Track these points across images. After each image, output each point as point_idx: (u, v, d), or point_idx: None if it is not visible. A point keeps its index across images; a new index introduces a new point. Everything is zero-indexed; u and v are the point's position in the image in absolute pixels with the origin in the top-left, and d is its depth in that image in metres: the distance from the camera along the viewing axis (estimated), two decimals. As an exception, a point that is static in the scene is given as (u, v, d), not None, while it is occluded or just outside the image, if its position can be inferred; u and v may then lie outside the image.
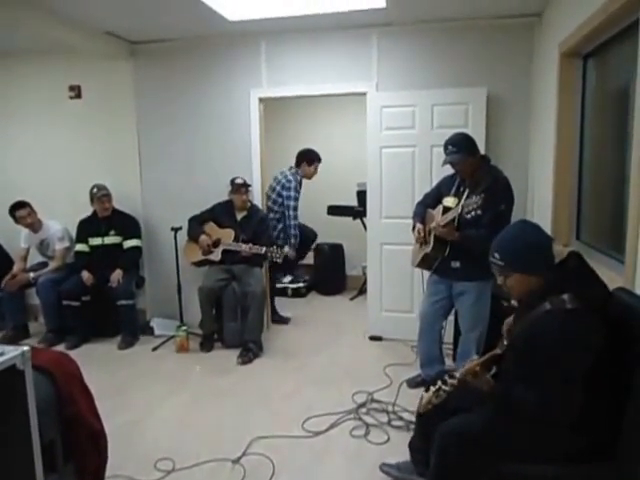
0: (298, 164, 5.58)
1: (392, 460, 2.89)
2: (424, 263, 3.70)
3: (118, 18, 4.41)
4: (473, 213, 3.36)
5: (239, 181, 4.86)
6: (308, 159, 5.58)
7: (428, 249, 3.60)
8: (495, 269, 2.21)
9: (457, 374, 2.16)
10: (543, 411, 1.93)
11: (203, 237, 4.86)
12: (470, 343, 3.65)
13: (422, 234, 3.66)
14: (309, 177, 5.62)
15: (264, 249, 4.62)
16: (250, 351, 4.59)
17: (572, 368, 1.89)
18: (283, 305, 6.04)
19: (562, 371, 1.89)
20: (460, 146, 3.45)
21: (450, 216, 3.42)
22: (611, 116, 3.17)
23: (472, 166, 3.49)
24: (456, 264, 3.55)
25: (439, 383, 2.18)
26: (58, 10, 4.08)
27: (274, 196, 5.39)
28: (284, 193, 5.33)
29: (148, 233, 5.47)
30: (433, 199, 3.75)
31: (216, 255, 4.82)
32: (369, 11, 4.22)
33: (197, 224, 4.96)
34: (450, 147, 3.47)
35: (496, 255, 2.17)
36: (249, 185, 4.94)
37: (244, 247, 4.65)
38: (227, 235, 4.81)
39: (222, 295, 4.84)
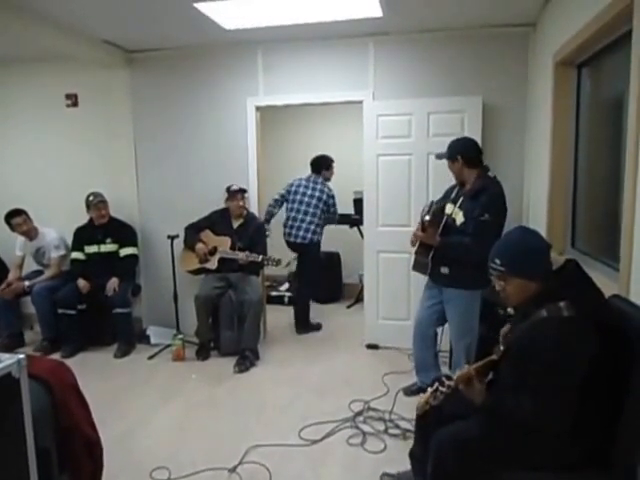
0: (318, 171, 5.74)
1: (390, 468, 2.89)
2: (418, 266, 3.72)
3: (115, 27, 4.42)
4: (427, 217, 3.46)
5: (235, 188, 4.86)
6: (326, 164, 5.80)
7: (414, 251, 3.66)
8: (494, 275, 2.21)
9: (454, 376, 2.17)
10: (538, 419, 1.92)
11: (200, 245, 4.85)
12: (459, 352, 3.68)
13: (417, 236, 3.68)
14: (330, 179, 5.84)
15: (261, 257, 4.62)
16: (247, 359, 4.58)
17: (568, 376, 1.89)
18: (280, 313, 6.05)
19: (558, 379, 1.89)
20: (448, 147, 3.62)
21: (427, 220, 3.50)
22: (605, 125, 3.19)
23: (452, 169, 3.62)
24: (445, 270, 3.56)
25: (437, 384, 2.18)
26: (55, 18, 4.09)
27: (320, 204, 5.56)
28: (330, 202, 5.63)
29: (144, 241, 5.46)
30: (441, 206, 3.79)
31: (212, 263, 4.82)
32: (366, 20, 4.24)
33: (193, 232, 4.95)
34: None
35: (496, 261, 2.17)
36: (245, 190, 4.94)
37: (241, 255, 4.64)
38: (224, 243, 4.81)
39: (219, 303, 4.82)
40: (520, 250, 2.15)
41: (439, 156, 3.71)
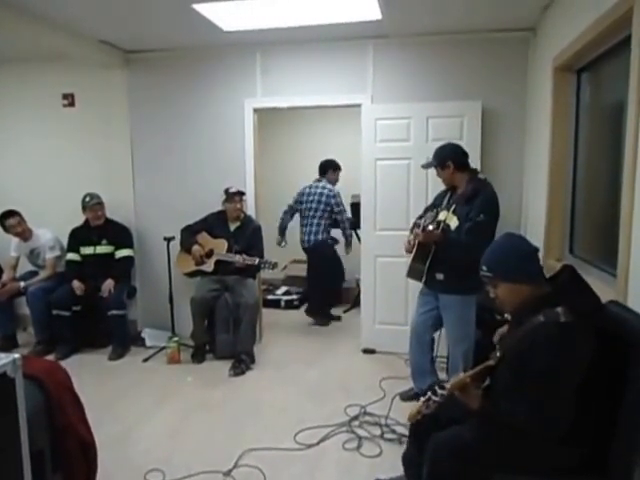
0: (323, 174, 5.94)
1: (386, 474, 2.88)
2: (413, 273, 3.71)
3: (113, 27, 4.41)
4: (430, 227, 3.42)
5: (233, 190, 4.84)
6: (332, 167, 5.98)
7: (411, 258, 3.63)
8: (486, 282, 2.24)
9: (448, 385, 2.16)
10: (535, 424, 1.91)
11: (196, 247, 4.83)
12: (457, 358, 3.66)
13: (411, 243, 3.66)
14: (333, 183, 6.00)
15: (257, 260, 4.60)
16: (242, 363, 4.55)
17: (565, 381, 1.89)
18: (276, 316, 6.03)
19: (555, 384, 1.89)
20: (434, 156, 3.61)
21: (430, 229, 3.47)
22: (604, 130, 3.20)
23: (445, 176, 3.60)
24: (440, 276, 3.55)
25: (429, 393, 2.17)
26: (53, 18, 4.08)
27: (321, 205, 5.76)
28: (332, 201, 5.78)
29: (140, 243, 5.44)
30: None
31: (209, 266, 4.80)
32: (365, 23, 4.24)
33: (189, 234, 4.93)
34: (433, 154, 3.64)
35: (484, 267, 2.21)
36: (243, 193, 4.93)
37: (237, 258, 4.62)
38: (220, 246, 4.78)
39: (214, 306, 4.80)
40: (504, 254, 2.18)
41: (425, 166, 3.70)
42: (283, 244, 5.96)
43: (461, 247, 3.34)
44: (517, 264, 2.13)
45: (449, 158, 3.54)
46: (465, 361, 3.58)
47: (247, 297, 4.68)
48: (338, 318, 6.07)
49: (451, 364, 3.75)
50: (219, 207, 4.95)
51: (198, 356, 4.80)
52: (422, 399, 2.19)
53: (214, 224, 4.94)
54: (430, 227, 3.42)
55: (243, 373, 4.50)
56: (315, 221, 5.72)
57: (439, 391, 2.13)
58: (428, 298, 3.73)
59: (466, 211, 3.40)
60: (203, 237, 4.90)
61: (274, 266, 4.65)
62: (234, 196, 4.83)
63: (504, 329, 2.48)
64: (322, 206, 5.73)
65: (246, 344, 4.66)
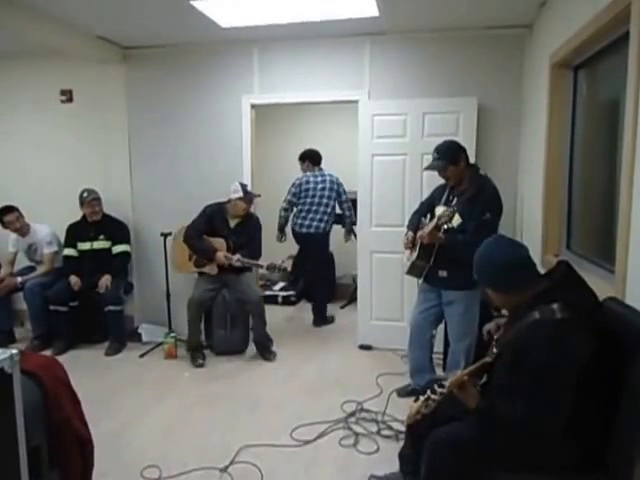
0: (317, 164, 5.89)
1: (381, 471, 2.88)
2: (413, 271, 3.70)
3: (111, 23, 4.40)
4: (445, 226, 3.35)
5: (250, 189, 4.75)
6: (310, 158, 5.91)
7: (414, 258, 3.61)
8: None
9: (447, 383, 2.15)
10: (532, 422, 1.91)
11: (220, 254, 4.58)
12: (459, 354, 3.64)
13: (410, 241, 3.66)
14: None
15: (265, 265, 4.52)
16: (267, 348, 4.72)
17: (562, 379, 1.89)
18: (273, 312, 6.02)
19: (552, 382, 1.89)
20: (442, 154, 3.49)
21: (433, 223, 3.42)
22: (601, 127, 3.19)
23: (455, 174, 3.51)
24: (443, 273, 3.54)
25: (428, 392, 2.16)
26: (50, 14, 4.06)
27: (332, 194, 5.72)
28: (342, 190, 5.79)
29: (137, 238, 5.44)
30: (427, 208, 3.77)
31: (212, 269, 4.67)
32: (362, 20, 4.24)
33: (198, 237, 4.68)
34: (434, 154, 3.53)
35: (474, 270, 2.22)
36: (257, 195, 4.89)
37: (238, 262, 4.52)
38: (220, 246, 4.66)
39: (212, 304, 4.77)
40: (490, 266, 2.17)
41: (432, 167, 3.56)
42: (283, 239, 5.91)
43: (466, 245, 3.31)
44: (500, 278, 2.13)
45: (463, 152, 3.51)
46: (467, 356, 3.57)
47: (249, 294, 4.66)
48: (332, 319, 5.95)
49: (452, 360, 3.72)
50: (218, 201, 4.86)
51: (197, 360, 4.64)
52: (421, 398, 2.18)
53: (214, 218, 4.77)
54: (445, 227, 3.34)
55: (275, 355, 4.73)
56: (322, 209, 5.63)
57: (438, 390, 2.12)
58: (429, 295, 3.71)
59: (470, 209, 3.38)
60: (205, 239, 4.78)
61: (284, 270, 4.58)
62: (250, 201, 4.75)
63: (492, 325, 2.50)
64: (334, 194, 5.69)
65: (260, 331, 4.73)
